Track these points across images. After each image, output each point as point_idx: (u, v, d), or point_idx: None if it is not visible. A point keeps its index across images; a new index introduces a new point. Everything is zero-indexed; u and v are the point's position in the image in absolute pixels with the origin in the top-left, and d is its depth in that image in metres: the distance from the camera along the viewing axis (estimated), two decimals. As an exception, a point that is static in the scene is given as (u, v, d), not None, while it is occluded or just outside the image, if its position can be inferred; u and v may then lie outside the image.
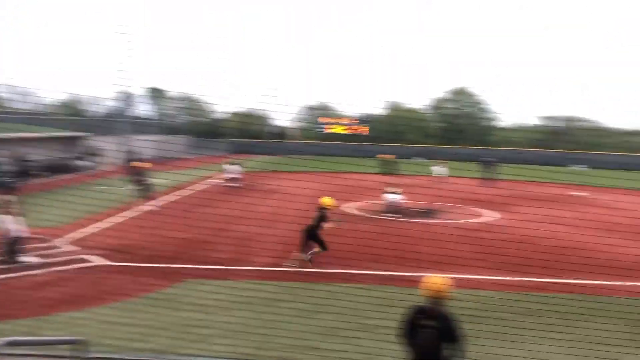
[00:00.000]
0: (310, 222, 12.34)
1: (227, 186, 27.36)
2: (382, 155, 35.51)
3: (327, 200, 12.67)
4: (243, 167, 29.90)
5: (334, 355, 7.26)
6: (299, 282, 10.49)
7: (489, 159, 33.62)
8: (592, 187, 30.97)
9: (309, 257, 12.03)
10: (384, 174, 32.07)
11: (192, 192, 25.03)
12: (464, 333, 5.39)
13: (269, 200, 21.10)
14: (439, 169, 33.00)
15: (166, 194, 22.83)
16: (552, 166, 45.21)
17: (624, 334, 8.33)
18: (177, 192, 24.04)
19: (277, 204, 15.73)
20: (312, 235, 12.18)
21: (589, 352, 7.51)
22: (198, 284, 10.15)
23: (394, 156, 35.40)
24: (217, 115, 69.98)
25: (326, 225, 12.41)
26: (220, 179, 29.16)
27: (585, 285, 11.21)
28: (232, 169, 28.86)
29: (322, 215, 12.44)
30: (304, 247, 12.14)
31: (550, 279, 11.52)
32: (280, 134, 69.37)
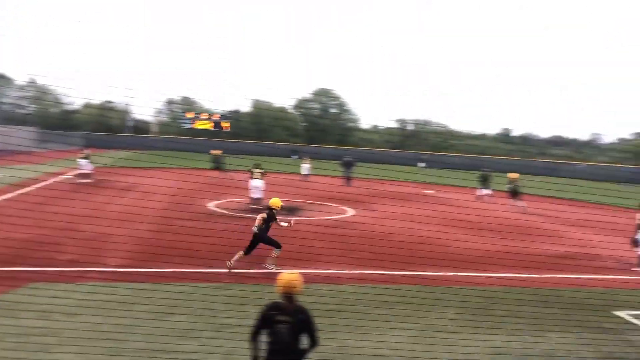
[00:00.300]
0: (258, 224, 11.90)
1: (78, 183, 25.61)
2: (214, 151, 35.14)
3: (275, 201, 12.31)
4: (94, 162, 28.19)
5: (189, 357, 7.09)
6: (153, 283, 10.09)
7: (349, 158, 34.72)
8: (440, 186, 33.51)
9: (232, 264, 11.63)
10: (214, 169, 31.99)
11: (37, 188, 23.06)
12: (318, 326, 5.51)
13: (123, 199, 20.12)
14: (305, 167, 34.12)
15: (4, 191, 20.80)
16: (405, 166, 48.09)
17: (466, 322, 9.08)
18: (20, 189, 22.00)
19: (131, 202, 15.00)
20: (261, 238, 11.79)
21: (433, 340, 8.10)
22: (42, 288, 9.35)
23: (220, 151, 34.87)
24: (70, 107, 65.23)
25: (276, 224, 12.09)
26: (70, 175, 27.20)
27: (432, 277, 12.03)
28: (84, 164, 27.11)
29: (271, 215, 12.07)
30: (249, 249, 11.74)
31: (401, 271, 12.22)
32: (140, 128, 66.39)
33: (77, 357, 6.81)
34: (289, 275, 5.58)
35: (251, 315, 8.55)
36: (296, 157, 54.53)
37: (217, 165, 32.68)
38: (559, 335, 8.69)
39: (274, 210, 12.20)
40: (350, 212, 21.68)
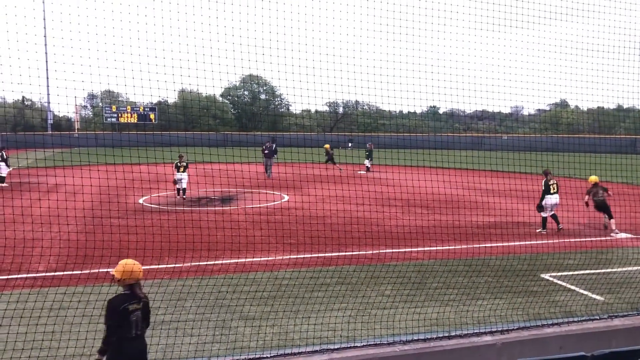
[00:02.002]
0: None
1: (-3, 187, 24.26)
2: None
3: None
4: (11, 165, 26.81)
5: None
6: (85, 285, 9.73)
7: (270, 145, 30.94)
8: (376, 166, 34.08)
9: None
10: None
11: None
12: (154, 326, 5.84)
13: (46, 201, 19.24)
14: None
15: None
16: (337, 149, 48.49)
17: (402, 297, 9.32)
18: None
19: (55, 204, 14.36)
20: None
21: (372, 318, 8.27)
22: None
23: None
24: (-19, 107, 61.44)
25: None
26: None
27: (368, 256, 12.24)
28: (1, 167, 25.70)
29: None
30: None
31: (337, 253, 12.37)
32: (62, 125, 63.47)
33: (6, 370, 6.50)
34: (129, 262, 5.58)
35: (188, 310, 8.47)
36: (350, 146, 55.23)
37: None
38: (490, 302, 9.07)
39: None
40: (285, 197, 21.68)
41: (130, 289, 5.55)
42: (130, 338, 5.44)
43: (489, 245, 13.24)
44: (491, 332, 7.25)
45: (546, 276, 10.79)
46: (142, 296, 5.62)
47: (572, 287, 10.13)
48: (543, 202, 15.25)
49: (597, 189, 15.21)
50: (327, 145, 35.06)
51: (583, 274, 11.02)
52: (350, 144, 58.80)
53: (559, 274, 10.94)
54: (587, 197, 15.28)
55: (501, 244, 13.36)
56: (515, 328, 7.44)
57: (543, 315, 8.30)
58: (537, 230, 15.35)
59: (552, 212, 15.26)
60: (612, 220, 15.13)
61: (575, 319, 7.94)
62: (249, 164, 25.70)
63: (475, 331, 7.24)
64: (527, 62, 9.41)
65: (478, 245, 13.05)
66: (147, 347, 5.71)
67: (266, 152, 30.11)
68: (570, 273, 11.04)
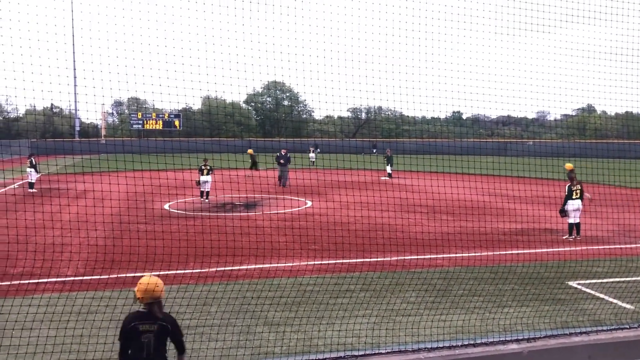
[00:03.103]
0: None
1: (26, 193, 24.80)
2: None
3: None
4: (41, 171, 27.38)
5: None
6: (112, 290, 9.88)
7: (283, 154, 29.72)
8: (395, 172, 33.97)
9: None
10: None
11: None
12: (183, 332, 5.36)
13: (74, 207, 19.60)
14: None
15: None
16: (358, 155, 48.48)
17: (427, 304, 9.26)
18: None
19: (83, 209, 14.62)
20: None
21: (396, 325, 8.23)
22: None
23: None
24: (12, 114, 62.94)
25: None
26: (17, 185, 26.29)
27: (392, 263, 12.20)
28: (31, 173, 26.28)
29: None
30: None
31: (361, 259, 12.35)
32: (89, 132, 64.61)
33: (36, 373, 6.63)
34: (149, 280, 5.16)
35: (213, 315, 8.54)
36: (375, 151, 55.67)
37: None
38: (516, 309, 8.96)
39: None
40: (308, 203, 21.73)
41: (148, 307, 5.15)
42: None
43: (515, 252, 13.08)
44: (517, 340, 7.15)
45: (574, 284, 10.62)
46: (160, 317, 5.17)
47: (601, 295, 9.95)
48: (565, 207, 15.05)
49: (573, 174, 15.13)
50: (250, 150, 33.49)
51: (612, 282, 10.81)
52: (374, 150, 58.83)
53: (587, 281, 10.76)
54: (586, 194, 15.21)
55: (527, 251, 13.19)
56: (542, 336, 7.33)
57: (571, 324, 8.16)
58: (564, 237, 15.12)
59: (577, 220, 15.02)
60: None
61: (604, 328, 7.79)
62: (274, 170, 25.86)
63: (501, 339, 7.16)
64: (553, 66, 9.30)
65: (504, 252, 12.91)
66: None
67: (281, 161, 28.96)
68: (599, 281, 10.84)
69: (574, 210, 14.96)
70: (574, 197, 14.97)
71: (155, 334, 5.09)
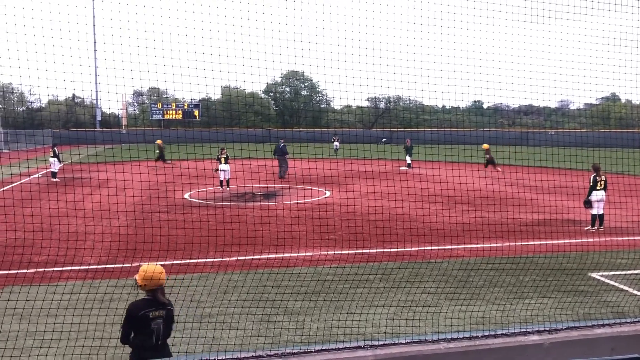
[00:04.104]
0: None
1: (49, 182, 25.19)
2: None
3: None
4: (62, 160, 27.77)
5: (174, 349, 7.08)
6: (133, 278, 10.01)
7: (282, 144, 28.71)
8: (416, 162, 33.79)
9: None
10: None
11: (7, 190, 22.60)
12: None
13: (96, 196, 19.86)
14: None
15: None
16: (373, 144, 48.28)
17: (446, 294, 9.23)
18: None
19: (105, 198, 14.82)
20: None
21: (415, 315, 8.22)
22: (18, 291, 9.21)
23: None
24: (35, 105, 63.81)
25: None
26: (40, 174, 26.71)
27: (411, 253, 12.17)
28: (54, 162, 26.69)
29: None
30: None
31: (380, 249, 12.34)
32: (109, 121, 65.28)
33: (59, 359, 6.76)
34: (154, 268, 5.28)
35: (234, 303, 8.61)
36: (384, 141, 55.75)
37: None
38: (537, 301, 8.89)
39: None
40: (326, 193, 21.74)
41: (152, 294, 5.28)
42: (151, 347, 5.20)
43: (536, 243, 12.96)
44: (538, 332, 7.09)
45: (596, 275, 10.49)
46: (166, 302, 5.35)
47: (624, 287, 9.82)
48: (590, 197, 14.85)
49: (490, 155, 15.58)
50: (159, 141, 31.50)
51: (635, 274, 10.66)
52: (383, 140, 58.44)
53: (610, 273, 10.62)
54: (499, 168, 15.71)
55: (548, 242, 13.06)
56: (563, 328, 7.26)
57: (593, 316, 8.08)
58: (586, 228, 14.93)
59: (601, 211, 14.81)
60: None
61: (628, 320, 7.69)
62: (293, 159, 25.87)
63: (522, 330, 7.11)
64: (576, 54, 9.13)
65: (524, 243, 12.79)
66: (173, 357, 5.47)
67: (279, 152, 27.84)
68: (622, 273, 10.70)
69: (597, 201, 14.76)
70: (598, 187, 14.76)
71: (164, 319, 5.26)
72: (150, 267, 5.30)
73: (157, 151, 30.69)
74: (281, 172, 27.44)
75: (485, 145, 28.00)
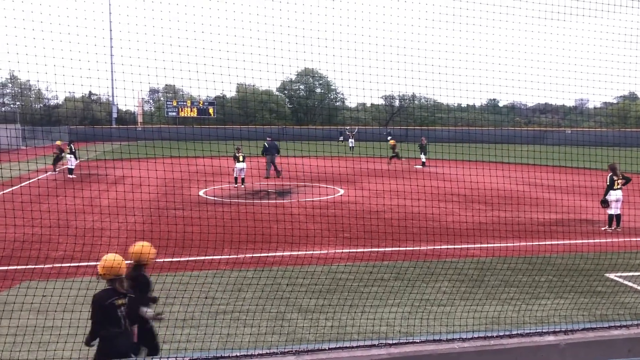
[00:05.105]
0: None
1: (65, 179, 25.46)
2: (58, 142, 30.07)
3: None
4: (78, 157, 27.99)
5: (188, 346, 7.13)
6: (152, 274, 10.08)
7: (271, 142, 27.01)
8: (431, 160, 33.63)
9: None
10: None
11: (22, 187, 22.88)
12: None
13: (112, 192, 20.02)
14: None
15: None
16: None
17: (460, 294, 9.18)
18: (7, 189, 21.81)
19: (120, 195, 14.93)
20: None
21: (429, 314, 8.19)
22: (37, 286, 9.32)
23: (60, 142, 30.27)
24: (52, 102, 64.49)
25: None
26: (57, 170, 26.97)
27: (425, 252, 12.12)
28: (70, 159, 26.96)
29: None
30: None
31: (394, 248, 12.30)
32: (125, 119, 65.78)
33: (76, 354, 6.83)
34: (114, 257, 5.60)
35: (249, 301, 8.64)
36: (390, 137, 55.95)
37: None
38: (552, 301, 8.81)
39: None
40: (340, 191, 21.72)
41: (112, 284, 5.56)
42: (120, 333, 5.50)
43: (552, 243, 12.84)
44: (554, 332, 7.03)
45: (612, 276, 10.37)
46: (125, 291, 5.62)
47: (642, 289, 9.69)
48: (607, 197, 14.68)
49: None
50: (58, 142, 29.53)
51: (653, 275, 10.52)
52: (389, 138, 58.43)
53: (627, 274, 10.49)
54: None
55: (564, 242, 12.93)
56: (580, 329, 7.19)
57: (610, 317, 7.98)
58: (603, 229, 14.76)
59: (618, 211, 14.63)
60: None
61: (645, 322, 7.60)
62: (302, 157, 25.86)
63: (537, 330, 7.05)
64: (594, 51, 9.00)
65: (540, 243, 12.68)
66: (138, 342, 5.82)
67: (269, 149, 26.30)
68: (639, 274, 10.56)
69: (615, 201, 14.59)
70: (615, 187, 14.59)
71: (127, 306, 5.53)
72: (110, 257, 5.58)
73: (58, 152, 28.42)
74: (267, 170, 26.17)
75: (392, 141, 32.25)
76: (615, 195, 14.54)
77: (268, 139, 26.86)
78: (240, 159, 22.28)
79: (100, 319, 5.41)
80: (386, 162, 31.80)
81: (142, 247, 6.26)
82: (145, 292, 6.23)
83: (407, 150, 33.71)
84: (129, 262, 5.94)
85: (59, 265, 10.81)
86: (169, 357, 6.17)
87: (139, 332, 6.05)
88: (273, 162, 25.75)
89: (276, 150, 25.71)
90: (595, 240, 13.25)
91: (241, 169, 22.34)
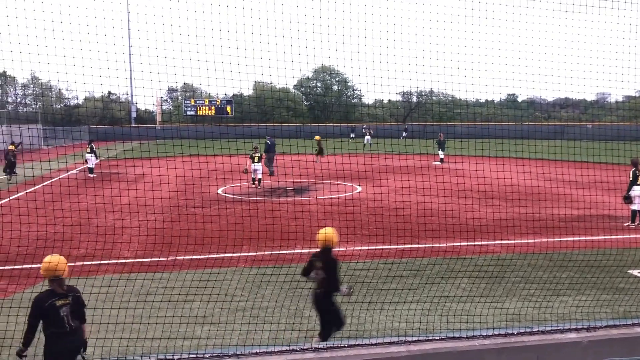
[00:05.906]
0: None
1: (86, 178, 25.78)
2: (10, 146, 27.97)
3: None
4: (99, 156, 28.35)
5: (207, 342, 7.17)
6: (168, 272, 10.19)
7: (270, 140, 26.67)
8: (447, 156, 33.41)
9: None
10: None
11: (44, 186, 23.21)
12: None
13: (132, 190, 20.22)
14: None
15: (14, 191, 20.95)
16: (409, 139, 47.90)
17: (480, 291, 9.11)
18: (29, 188, 22.16)
19: (140, 193, 15.07)
20: None
21: (448, 311, 8.14)
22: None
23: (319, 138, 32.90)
24: (72, 102, 65.32)
25: None
26: (78, 169, 27.33)
27: (444, 249, 12.04)
28: (90, 158, 27.29)
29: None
30: None
31: (412, 245, 12.24)
32: (144, 118, 66.37)
33: (97, 350, 6.92)
34: (50, 259, 5.58)
35: (268, 297, 8.67)
36: (405, 135, 56.09)
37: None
38: (574, 298, 8.70)
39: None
40: (358, 188, 21.68)
41: (50, 284, 5.60)
42: (64, 333, 5.51)
43: (573, 239, 12.68)
44: (576, 329, 6.95)
45: (636, 272, 10.21)
46: (66, 291, 5.63)
47: (666, 285, 9.53)
48: (630, 193, 14.43)
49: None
50: (11, 146, 27.60)
51: (678, 271, 10.33)
52: (404, 133, 58.20)
53: (651, 270, 10.32)
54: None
55: (586, 238, 12.76)
56: (602, 326, 7.09)
57: (633, 314, 7.87)
58: (625, 224, 14.53)
59: None
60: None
61: (670, 319, 7.47)
62: (332, 155, 25.90)
63: (559, 327, 6.97)
64: (615, 44, 8.85)
65: (561, 239, 12.54)
66: (85, 342, 5.81)
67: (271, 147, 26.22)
68: (664, 270, 10.38)
69: (638, 197, 14.35)
70: (638, 182, 14.34)
71: (70, 306, 5.54)
72: (47, 258, 5.60)
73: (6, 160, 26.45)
74: (271, 169, 25.95)
75: (317, 137, 33.13)
76: (638, 190, 14.31)
77: (268, 137, 26.69)
78: (256, 159, 22.29)
79: (35, 322, 5.45)
80: (318, 159, 31.13)
81: (325, 233, 6.92)
82: (334, 272, 6.84)
83: (426, 146, 33.54)
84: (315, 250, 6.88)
85: (81, 263, 10.95)
86: (189, 354, 6.23)
87: (328, 314, 6.82)
88: (272, 160, 25.89)
89: (266, 150, 25.34)
90: (618, 237, 13.05)
91: (255, 170, 22.34)
